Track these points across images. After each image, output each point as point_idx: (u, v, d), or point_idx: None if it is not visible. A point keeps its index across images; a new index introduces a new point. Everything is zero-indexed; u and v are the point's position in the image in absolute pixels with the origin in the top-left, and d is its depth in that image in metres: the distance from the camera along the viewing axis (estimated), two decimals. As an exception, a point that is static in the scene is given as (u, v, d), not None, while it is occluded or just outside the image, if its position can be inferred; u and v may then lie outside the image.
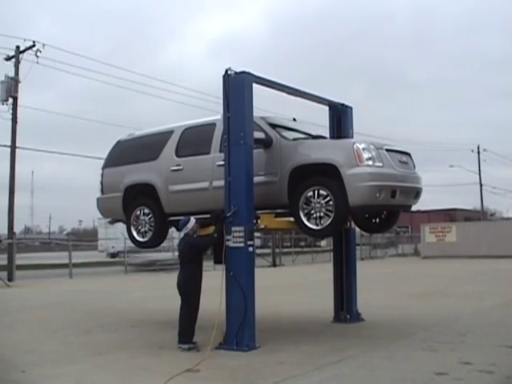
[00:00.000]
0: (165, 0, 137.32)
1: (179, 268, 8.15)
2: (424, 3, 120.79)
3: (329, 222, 7.74)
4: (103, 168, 10.58)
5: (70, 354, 7.83)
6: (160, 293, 15.96)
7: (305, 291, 16.34)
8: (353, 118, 10.21)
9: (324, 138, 9.56)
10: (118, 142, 10.62)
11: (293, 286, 18.82)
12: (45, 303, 14.64)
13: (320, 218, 7.80)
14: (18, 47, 25.53)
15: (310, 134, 9.22)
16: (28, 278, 23.97)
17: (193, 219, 8.13)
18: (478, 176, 54.99)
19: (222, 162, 8.11)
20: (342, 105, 10.07)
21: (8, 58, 25.76)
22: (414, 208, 8.89)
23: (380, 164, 7.75)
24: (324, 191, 7.74)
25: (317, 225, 7.84)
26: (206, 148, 8.91)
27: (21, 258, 30.64)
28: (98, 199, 10.67)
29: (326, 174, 7.76)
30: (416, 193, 8.59)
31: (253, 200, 7.94)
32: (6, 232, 25.26)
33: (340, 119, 10.02)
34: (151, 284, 21.24)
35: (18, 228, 40.84)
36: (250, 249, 7.76)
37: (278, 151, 8.21)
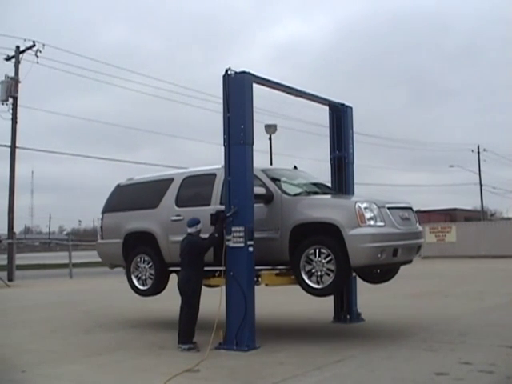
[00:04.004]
0: (240, 9, 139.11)
1: (180, 268, 8.17)
2: (482, 14, 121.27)
3: (330, 281, 7.68)
4: (103, 212, 10.57)
5: (70, 353, 7.83)
6: (160, 293, 15.94)
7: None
8: (353, 118, 10.19)
9: (325, 186, 9.59)
10: (118, 187, 10.59)
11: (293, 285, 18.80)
12: (45, 303, 14.64)
13: (321, 276, 7.75)
14: (17, 47, 25.57)
15: (311, 184, 9.30)
16: (28, 278, 23.99)
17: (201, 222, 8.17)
18: (478, 176, 55.10)
19: None
20: (342, 105, 10.06)
21: (8, 58, 25.80)
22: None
23: (382, 223, 7.71)
24: (325, 250, 7.69)
25: (318, 283, 7.79)
26: (206, 199, 8.83)
27: (21, 258, 30.67)
28: (97, 244, 10.73)
29: (328, 233, 7.71)
30: (418, 248, 8.61)
31: (253, 200, 7.95)
32: (6, 232, 25.30)
33: (340, 119, 10.01)
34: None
35: (17, 228, 41.00)
36: (250, 249, 7.75)
37: (279, 207, 8.15)
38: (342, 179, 9.91)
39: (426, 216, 52.03)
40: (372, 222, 7.60)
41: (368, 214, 7.61)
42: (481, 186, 55.36)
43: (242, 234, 7.70)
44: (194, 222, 8.16)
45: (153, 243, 9.43)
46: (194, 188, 9.30)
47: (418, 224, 8.81)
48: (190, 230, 8.15)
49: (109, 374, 6.61)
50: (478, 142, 64.56)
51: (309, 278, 7.83)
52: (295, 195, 8.46)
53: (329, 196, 8.94)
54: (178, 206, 9.28)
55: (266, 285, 8.50)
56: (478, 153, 54.99)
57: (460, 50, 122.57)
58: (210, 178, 9.01)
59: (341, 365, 6.70)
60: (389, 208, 7.96)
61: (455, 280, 19.20)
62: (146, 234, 9.57)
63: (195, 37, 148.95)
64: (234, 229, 7.76)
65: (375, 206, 7.75)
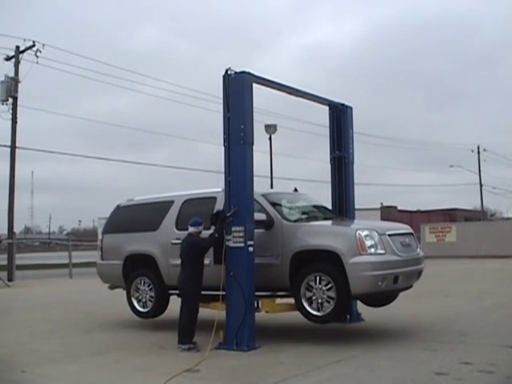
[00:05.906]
0: (273, 15, 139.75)
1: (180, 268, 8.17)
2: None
3: (330, 308, 7.66)
4: (103, 233, 10.59)
5: (70, 353, 7.83)
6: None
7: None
8: (353, 118, 10.19)
9: (326, 209, 9.58)
10: (118, 208, 10.58)
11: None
12: (45, 303, 14.64)
13: (322, 303, 7.73)
14: (17, 47, 25.57)
15: (312, 206, 9.32)
16: (28, 278, 23.98)
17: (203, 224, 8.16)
18: (478, 176, 55.12)
19: None
20: (342, 105, 10.05)
21: (8, 58, 25.79)
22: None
23: (382, 251, 7.69)
24: (326, 278, 7.67)
25: (318, 310, 7.77)
26: (206, 224, 8.66)
27: (21, 258, 30.65)
28: (97, 265, 10.75)
29: (329, 261, 7.70)
30: (418, 273, 8.60)
31: (253, 200, 7.94)
32: (6, 232, 25.31)
33: (340, 119, 10.01)
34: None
35: (17, 228, 40.97)
36: (250, 249, 7.75)
37: (280, 233, 8.13)
38: (341, 179, 9.91)
39: (426, 216, 52.05)
40: (373, 250, 7.60)
41: (369, 242, 7.60)
42: (481, 186, 55.41)
43: (241, 234, 7.70)
44: (196, 223, 8.16)
45: (153, 266, 9.42)
46: (194, 211, 9.10)
47: (418, 249, 8.80)
48: (190, 229, 8.15)
49: (109, 374, 6.61)
50: (479, 142, 64.77)
51: (309, 304, 7.81)
52: (296, 221, 8.46)
53: (329, 222, 8.91)
54: (178, 229, 9.23)
55: (267, 312, 8.50)
56: (478, 153, 55.05)
57: (480, 55, 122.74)
58: (210, 201, 8.96)
59: (341, 365, 6.70)
60: (389, 235, 7.94)
61: (455, 280, 19.20)
62: (146, 257, 9.56)
63: (224, 39, 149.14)
64: (233, 229, 7.76)
65: (376, 234, 7.74)
